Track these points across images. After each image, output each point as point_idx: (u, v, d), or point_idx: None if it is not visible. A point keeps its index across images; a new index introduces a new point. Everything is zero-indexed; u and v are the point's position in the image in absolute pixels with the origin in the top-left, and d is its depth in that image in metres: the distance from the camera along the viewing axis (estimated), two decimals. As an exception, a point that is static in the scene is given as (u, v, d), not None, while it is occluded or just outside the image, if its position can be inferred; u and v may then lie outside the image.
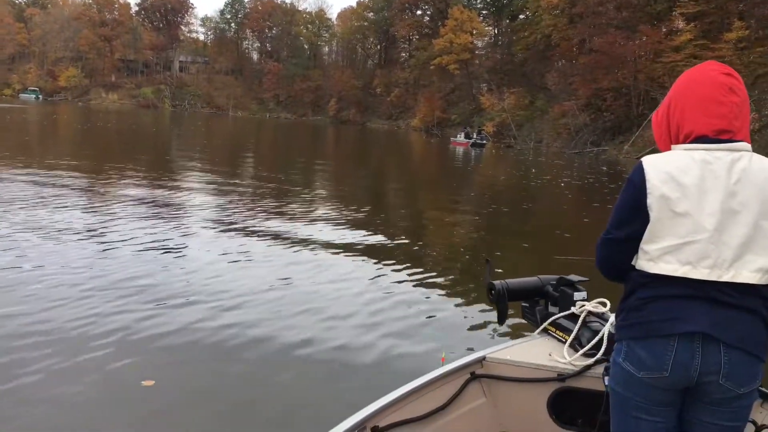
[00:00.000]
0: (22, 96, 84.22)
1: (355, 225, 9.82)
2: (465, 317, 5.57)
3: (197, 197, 11.69)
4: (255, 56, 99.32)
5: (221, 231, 8.57)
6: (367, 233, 9.12)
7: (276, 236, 8.47)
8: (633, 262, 1.82)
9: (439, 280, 6.72)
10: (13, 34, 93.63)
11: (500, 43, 68.40)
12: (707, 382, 1.71)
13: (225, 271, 6.51)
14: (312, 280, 6.40)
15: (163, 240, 7.63)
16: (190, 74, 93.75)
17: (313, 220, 9.99)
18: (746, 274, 1.69)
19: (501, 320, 2.81)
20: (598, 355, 2.42)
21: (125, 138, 29.29)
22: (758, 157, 1.76)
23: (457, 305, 5.91)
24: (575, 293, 2.69)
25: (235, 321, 5.00)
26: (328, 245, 8.13)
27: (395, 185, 18.64)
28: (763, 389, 2.25)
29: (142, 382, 3.82)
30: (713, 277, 1.71)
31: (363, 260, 7.51)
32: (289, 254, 7.49)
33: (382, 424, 2.16)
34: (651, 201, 1.75)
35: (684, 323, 1.72)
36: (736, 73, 1.84)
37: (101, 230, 7.92)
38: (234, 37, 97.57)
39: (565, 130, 45.18)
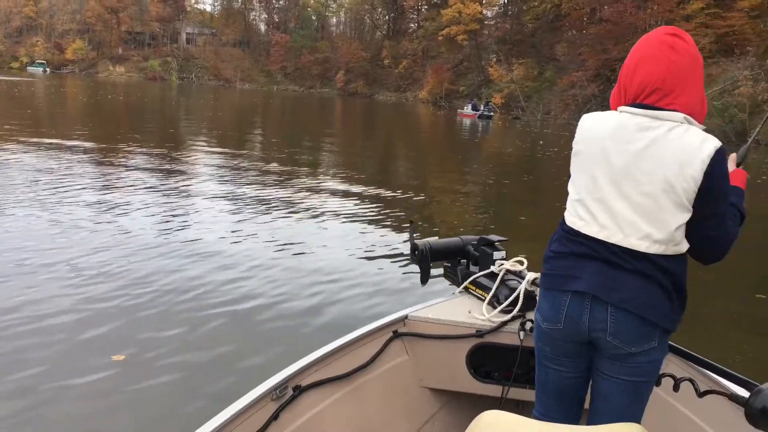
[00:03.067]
0: (30, 69, 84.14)
1: (353, 195, 9.99)
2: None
3: (198, 170, 11.78)
4: (262, 28, 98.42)
5: (219, 201, 8.71)
6: (365, 202, 9.33)
7: (269, 204, 8.62)
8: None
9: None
10: (21, 6, 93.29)
11: (510, 13, 67.41)
12: (598, 338, 1.78)
13: (222, 242, 6.65)
14: (300, 249, 6.58)
15: (164, 209, 7.77)
16: (197, 46, 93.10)
17: (313, 191, 10.11)
18: (634, 240, 1.71)
19: (423, 280, 2.85)
20: (514, 312, 2.51)
21: (134, 111, 29.32)
22: (681, 130, 1.68)
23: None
24: (494, 253, 2.78)
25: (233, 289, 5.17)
26: (330, 214, 8.34)
27: (401, 158, 18.67)
28: (677, 346, 2.32)
29: (113, 357, 3.86)
30: (602, 237, 1.75)
31: (357, 226, 7.73)
32: (282, 223, 7.67)
33: (304, 383, 2.18)
34: (572, 155, 1.84)
35: (576, 281, 1.78)
36: (686, 35, 1.77)
37: (97, 202, 8.06)
38: (241, 8, 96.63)
39: (573, 101, 44.81)
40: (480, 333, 2.53)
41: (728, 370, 2.06)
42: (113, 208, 7.74)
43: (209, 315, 4.63)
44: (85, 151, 12.91)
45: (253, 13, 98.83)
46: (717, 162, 1.64)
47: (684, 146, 1.65)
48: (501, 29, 64.22)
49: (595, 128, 1.79)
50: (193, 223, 7.34)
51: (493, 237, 2.85)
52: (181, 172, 11.12)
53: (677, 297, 1.76)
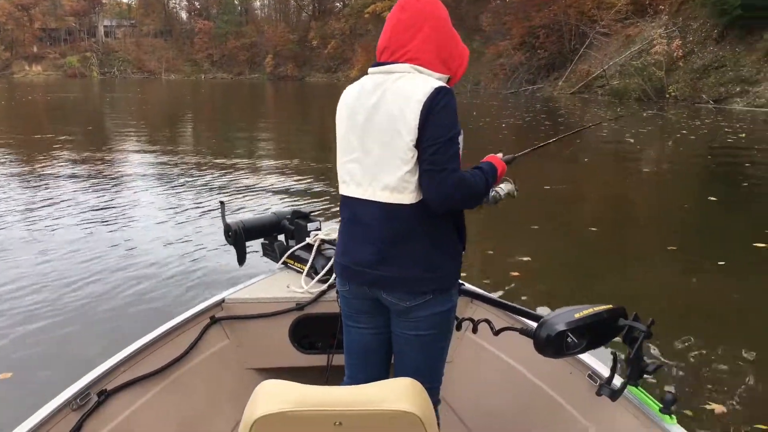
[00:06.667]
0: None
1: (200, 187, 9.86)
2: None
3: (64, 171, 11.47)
4: (184, 15, 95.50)
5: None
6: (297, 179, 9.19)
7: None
8: None
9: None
10: None
11: (433, -14, 67.31)
12: (378, 298, 1.87)
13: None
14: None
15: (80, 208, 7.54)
16: (117, 39, 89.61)
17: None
18: (378, 192, 1.77)
19: (240, 260, 2.81)
20: (331, 280, 2.56)
21: (54, 110, 28.13)
22: (407, 78, 1.75)
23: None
24: (309, 224, 2.81)
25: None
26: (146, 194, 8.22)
27: (329, 139, 18.57)
28: (476, 290, 2.49)
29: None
30: (358, 194, 1.83)
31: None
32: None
33: (111, 386, 2.06)
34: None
35: (345, 249, 1.89)
36: None
37: None
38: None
39: (501, 70, 45.31)
40: (300, 306, 2.56)
41: (520, 307, 2.27)
42: None
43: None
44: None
45: (173, 1, 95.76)
46: (434, 97, 1.70)
47: (406, 91, 1.73)
48: (426, 3, 64.09)
49: (346, 96, 1.89)
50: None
51: (307, 209, 2.90)
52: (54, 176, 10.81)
53: (441, 248, 1.81)
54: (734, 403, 3.49)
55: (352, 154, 1.84)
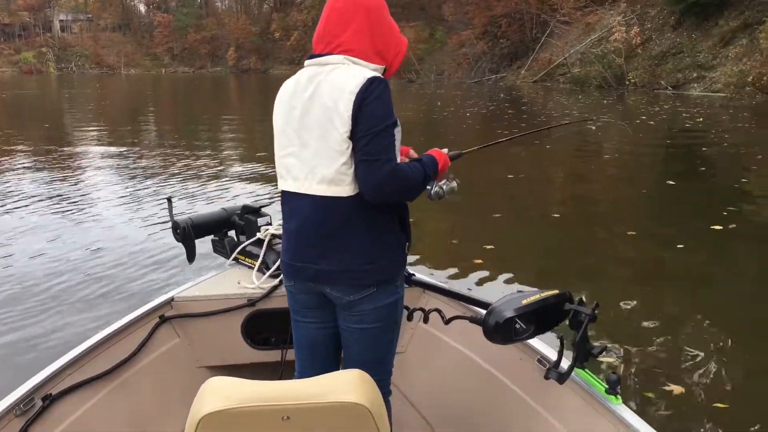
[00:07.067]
0: None
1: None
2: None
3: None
4: (142, 9, 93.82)
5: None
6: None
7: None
8: None
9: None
10: None
11: (395, -24, 67.36)
12: (323, 292, 1.85)
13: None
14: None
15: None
16: (74, 34, 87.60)
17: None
18: (315, 186, 1.76)
19: (190, 258, 2.77)
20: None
21: (8, 108, 27.38)
22: (342, 69, 1.74)
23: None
24: (259, 219, 2.78)
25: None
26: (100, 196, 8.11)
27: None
28: (428, 281, 2.50)
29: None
30: (295, 189, 1.81)
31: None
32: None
33: (56, 390, 2.01)
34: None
35: (287, 246, 1.88)
36: None
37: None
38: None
39: (464, 60, 45.54)
40: (252, 301, 2.53)
41: (471, 296, 2.30)
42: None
43: None
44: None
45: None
46: (366, 88, 1.68)
47: (339, 83, 1.71)
48: (388, -7, 64.01)
49: (282, 91, 1.86)
50: None
51: (257, 203, 2.85)
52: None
53: (382, 240, 1.80)
54: (692, 384, 3.55)
55: (289, 148, 1.82)
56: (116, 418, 2.18)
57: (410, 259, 5.68)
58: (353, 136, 1.69)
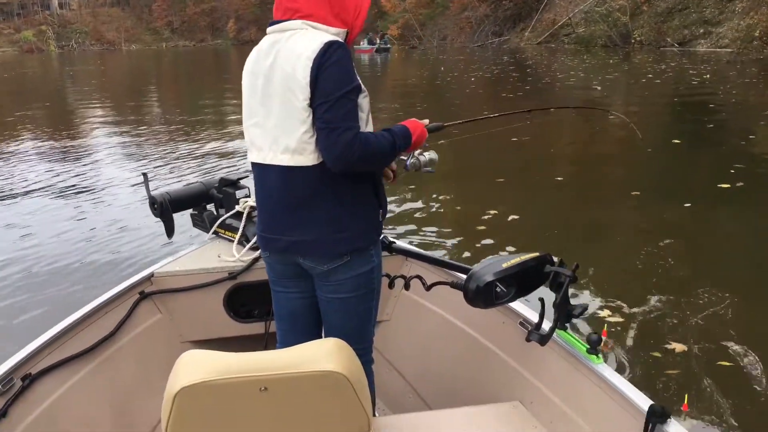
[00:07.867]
0: None
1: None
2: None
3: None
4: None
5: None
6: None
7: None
8: None
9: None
10: None
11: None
12: (297, 263, 1.85)
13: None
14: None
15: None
16: (72, 10, 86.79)
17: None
18: (279, 156, 1.74)
19: (169, 232, 2.75)
20: None
21: (12, 88, 27.32)
22: (300, 34, 1.70)
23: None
24: (237, 191, 2.76)
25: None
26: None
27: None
28: (409, 248, 2.51)
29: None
30: (260, 159, 1.79)
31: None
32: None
33: (35, 369, 1.98)
34: None
35: (260, 218, 1.87)
36: None
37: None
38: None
39: (467, 23, 44.93)
40: (233, 275, 2.52)
41: (453, 262, 2.33)
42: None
43: None
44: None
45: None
46: (324, 53, 1.64)
47: (297, 48, 1.67)
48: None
49: (248, 61, 1.83)
50: None
51: (234, 175, 2.82)
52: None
53: (351, 208, 1.77)
54: (695, 341, 3.56)
55: (254, 118, 1.79)
56: (99, 396, 2.16)
57: (413, 225, 5.74)
58: (312, 103, 1.66)
